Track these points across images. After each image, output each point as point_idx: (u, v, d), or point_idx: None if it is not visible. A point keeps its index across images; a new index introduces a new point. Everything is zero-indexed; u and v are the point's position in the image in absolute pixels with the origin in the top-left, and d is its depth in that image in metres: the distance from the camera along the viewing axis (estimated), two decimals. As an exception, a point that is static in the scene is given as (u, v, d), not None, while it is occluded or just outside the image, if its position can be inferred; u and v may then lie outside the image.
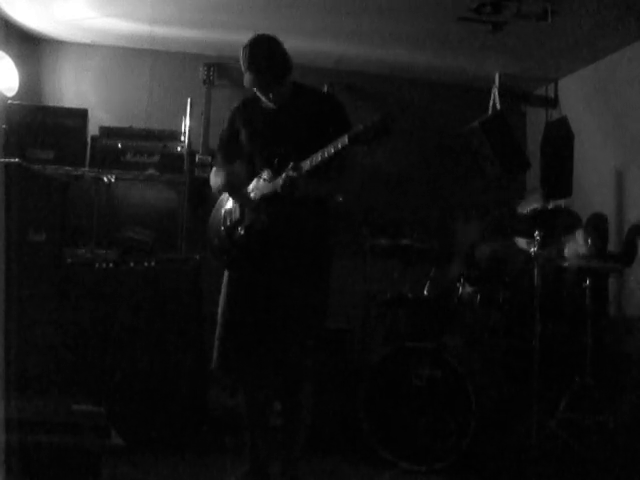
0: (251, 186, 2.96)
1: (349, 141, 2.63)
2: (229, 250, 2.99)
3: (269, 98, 2.91)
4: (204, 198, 4.45)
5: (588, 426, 3.41)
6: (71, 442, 2.56)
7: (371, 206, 4.91)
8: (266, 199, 2.89)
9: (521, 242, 4.29)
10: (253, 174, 2.98)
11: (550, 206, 3.98)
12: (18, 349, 3.06)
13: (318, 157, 2.72)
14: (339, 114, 2.95)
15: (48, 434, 2.55)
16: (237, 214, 2.98)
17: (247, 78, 2.85)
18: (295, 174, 2.74)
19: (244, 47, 2.84)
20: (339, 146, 2.66)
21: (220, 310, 3.00)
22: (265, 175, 2.91)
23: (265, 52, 2.82)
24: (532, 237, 3.70)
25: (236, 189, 3.01)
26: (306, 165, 2.75)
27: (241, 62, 2.86)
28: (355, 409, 3.68)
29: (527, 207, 4.17)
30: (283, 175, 2.77)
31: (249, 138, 3.01)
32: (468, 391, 3.46)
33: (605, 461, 3.32)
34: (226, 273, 3.03)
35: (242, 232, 2.93)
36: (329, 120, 2.90)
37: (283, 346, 2.87)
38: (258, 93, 2.93)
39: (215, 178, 3.13)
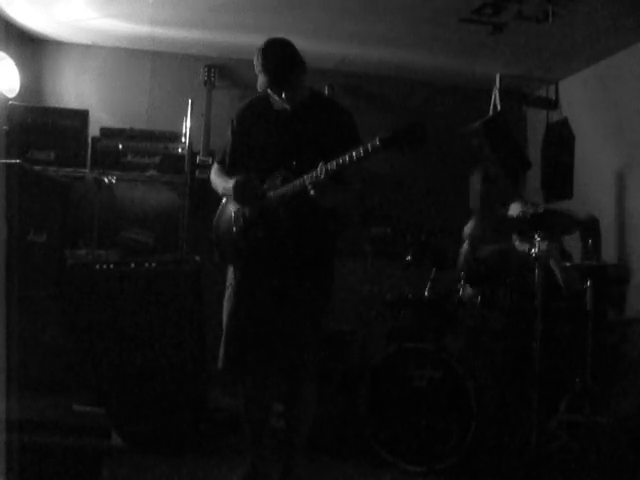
0: (266, 185, 2.90)
1: (380, 143, 2.48)
2: (242, 250, 2.97)
3: (282, 98, 2.88)
4: (205, 199, 4.46)
5: (588, 427, 3.40)
6: (71, 442, 2.57)
7: (372, 208, 4.91)
8: (283, 201, 2.85)
9: (518, 244, 4.29)
10: (263, 176, 2.92)
11: (531, 211, 3.96)
12: (19, 349, 3.06)
13: (346, 159, 2.59)
14: (352, 131, 2.93)
15: (48, 434, 2.56)
16: (250, 215, 2.94)
17: (260, 80, 2.85)
18: (324, 175, 2.64)
19: (258, 50, 2.86)
20: (369, 149, 2.52)
21: (226, 311, 2.98)
22: (280, 176, 2.86)
23: (277, 53, 2.83)
24: (527, 238, 3.71)
25: (246, 199, 2.93)
26: (332, 165, 2.64)
27: (255, 65, 2.87)
28: (356, 410, 3.68)
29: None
30: (312, 174, 2.67)
31: (261, 140, 2.97)
32: (469, 392, 3.46)
33: (605, 462, 3.31)
34: (232, 273, 3.02)
35: (259, 234, 2.92)
36: (341, 134, 2.86)
37: (287, 347, 2.87)
38: (272, 94, 2.90)
39: (219, 181, 3.08)
